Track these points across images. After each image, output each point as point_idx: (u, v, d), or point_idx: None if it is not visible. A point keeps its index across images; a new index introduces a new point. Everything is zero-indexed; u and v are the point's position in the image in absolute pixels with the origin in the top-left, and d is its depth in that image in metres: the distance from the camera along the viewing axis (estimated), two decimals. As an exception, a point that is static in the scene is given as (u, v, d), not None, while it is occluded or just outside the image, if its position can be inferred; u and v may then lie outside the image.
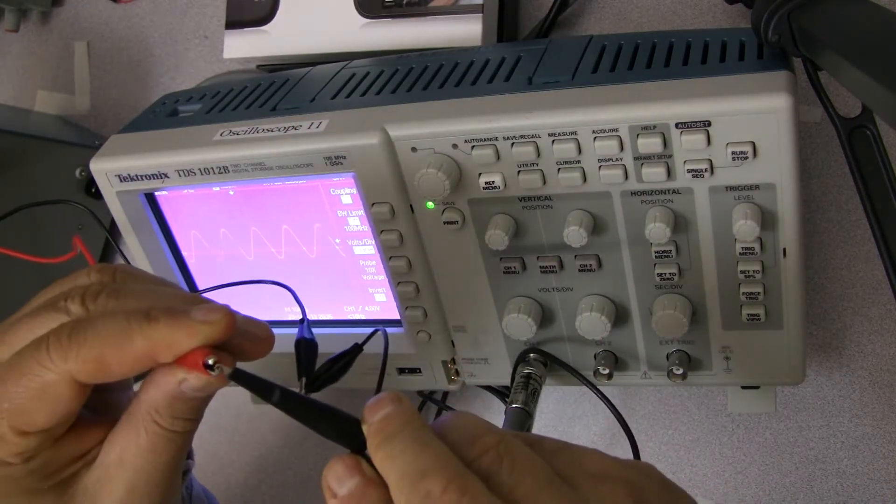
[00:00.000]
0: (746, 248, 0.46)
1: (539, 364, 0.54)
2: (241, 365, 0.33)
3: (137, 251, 0.57)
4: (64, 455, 0.35)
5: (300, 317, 0.40)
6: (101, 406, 0.37)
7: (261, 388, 0.32)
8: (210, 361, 0.32)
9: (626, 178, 0.46)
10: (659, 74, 0.46)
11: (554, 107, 0.45)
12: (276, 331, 0.55)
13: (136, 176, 0.53)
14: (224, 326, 0.32)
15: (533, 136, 0.46)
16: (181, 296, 0.36)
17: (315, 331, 0.56)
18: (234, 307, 0.34)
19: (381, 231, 0.51)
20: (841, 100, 0.51)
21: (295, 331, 0.40)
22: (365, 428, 0.31)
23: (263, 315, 0.58)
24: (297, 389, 0.36)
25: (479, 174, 0.48)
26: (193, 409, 0.35)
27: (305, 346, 0.39)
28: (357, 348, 0.40)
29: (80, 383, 0.32)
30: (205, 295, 0.38)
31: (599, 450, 0.33)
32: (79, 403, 0.33)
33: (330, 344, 0.42)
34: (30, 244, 0.69)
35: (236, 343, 0.34)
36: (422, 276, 0.52)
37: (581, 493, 0.30)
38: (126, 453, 0.34)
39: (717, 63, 0.45)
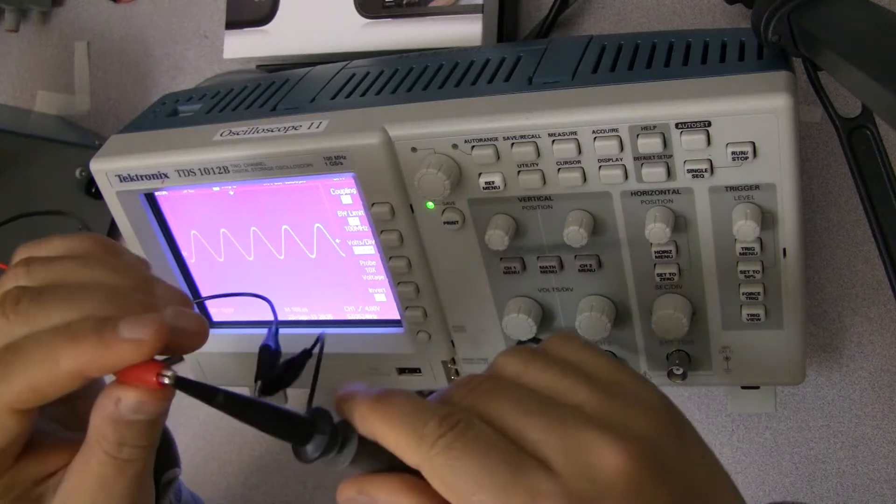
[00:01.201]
0: (746, 248, 0.46)
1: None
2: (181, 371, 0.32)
3: (137, 251, 0.57)
4: (26, 477, 0.34)
5: (293, 318, 0.40)
6: (70, 418, 0.37)
7: (204, 393, 0.31)
8: (165, 381, 0.31)
9: (626, 178, 0.46)
10: (659, 74, 0.45)
11: (554, 107, 0.45)
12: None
13: (136, 176, 0.53)
14: (154, 344, 0.31)
15: (533, 136, 0.45)
16: (109, 285, 0.34)
17: (315, 331, 0.56)
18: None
19: (381, 231, 0.51)
20: (841, 100, 0.50)
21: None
22: (351, 406, 0.32)
23: (254, 316, 0.58)
24: (253, 393, 0.36)
25: (479, 174, 0.48)
26: (139, 435, 0.33)
27: (268, 353, 0.39)
28: (306, 354, 0.39)
29: (19, 410, 0.32)
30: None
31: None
32: (27, 424, 0.32)
33: (330, 344, 0.42)
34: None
35: (170, 342, 0.32)
36: (422, 276, 0.52)
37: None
38: (81, 483, 0.33)
39: (717, 63, 0.45)
